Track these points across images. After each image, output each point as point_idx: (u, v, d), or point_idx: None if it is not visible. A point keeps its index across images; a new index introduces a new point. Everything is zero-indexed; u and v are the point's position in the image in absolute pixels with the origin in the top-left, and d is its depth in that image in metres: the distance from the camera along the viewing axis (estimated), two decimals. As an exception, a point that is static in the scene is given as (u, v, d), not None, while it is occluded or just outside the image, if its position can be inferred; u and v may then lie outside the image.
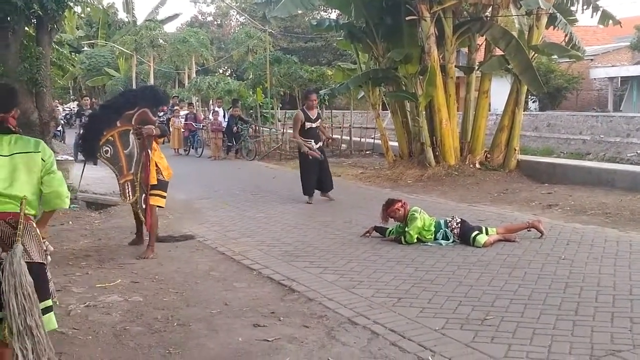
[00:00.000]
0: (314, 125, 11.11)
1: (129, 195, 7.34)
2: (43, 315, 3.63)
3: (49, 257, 3.85)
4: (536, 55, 14.55)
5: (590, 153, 23.04)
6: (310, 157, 10.91)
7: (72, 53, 20.25)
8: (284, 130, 21.51)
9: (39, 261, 3.69)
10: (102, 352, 4.48)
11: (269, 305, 5.51)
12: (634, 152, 21.47)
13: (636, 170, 12.36)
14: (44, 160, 3.82)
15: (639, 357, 4.09)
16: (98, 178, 13.06)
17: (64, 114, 31.67)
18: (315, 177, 11.11)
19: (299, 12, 15.70)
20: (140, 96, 7.64)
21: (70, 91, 49.40)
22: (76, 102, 35.40)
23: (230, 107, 21.74)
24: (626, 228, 8.25)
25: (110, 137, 7.15)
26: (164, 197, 7.79)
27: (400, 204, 7.84)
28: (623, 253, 6.84)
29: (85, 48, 42.41)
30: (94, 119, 7.65)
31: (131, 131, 7.33)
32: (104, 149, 7.13)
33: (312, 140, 11.08)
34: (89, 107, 19.44)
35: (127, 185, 7.32)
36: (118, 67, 44.19)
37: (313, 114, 11.18)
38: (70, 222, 9.40)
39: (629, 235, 7.78)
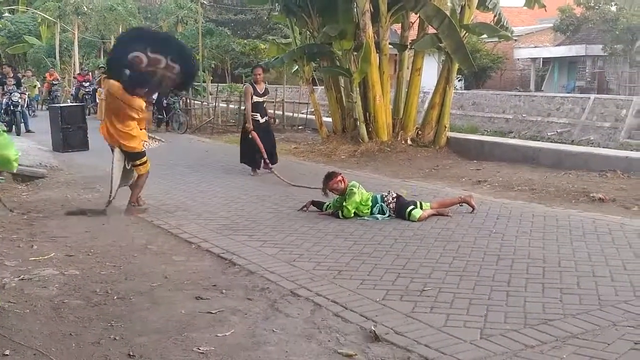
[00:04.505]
0: (260, 99, 11.30)
1: None
2: None
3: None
4: (467, 34, 14.85)
5: (512, 131, 23.80)
6: (250, 136, 11.04)
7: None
8: (216, 104, 21.26)
9: None
10: (42, 326, 4.38)
11: (210, 278, 5.50)
12: (554, 130, 22.33)
13: (560, 148, 12.89)
14: None
15: (570, 326, 4.31)
16: (23, 149, 12.61)
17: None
18: (258, 150, 11.11)
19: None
20: None
21: (-12, 58, 47.18)
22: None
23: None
24: (552, 203, 8.59)
25: None
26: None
27: (340, 177, 7.93)
28: (550, 227, 7.13)
29: (6, 14, 40.49)
30: None
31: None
32: None
33: (259, 114, 11.25)
34: (11, 75, 18.65)
35: None
36: (40, 35, 42.38)
37: (261, 88, 11.34)
38: (-4, 195, 9.06)
39: (555, 210, 8.11)
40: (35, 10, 39.72)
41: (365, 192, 7.85)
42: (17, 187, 9.84)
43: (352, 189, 7.72)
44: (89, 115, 17.83)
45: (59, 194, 9.45)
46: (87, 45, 41.32)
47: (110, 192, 8.06)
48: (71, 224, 7.50)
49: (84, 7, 36.02)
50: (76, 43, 37.44)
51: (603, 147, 16.92)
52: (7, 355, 3.90)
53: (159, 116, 20.50)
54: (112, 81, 7.88)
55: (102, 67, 27.16)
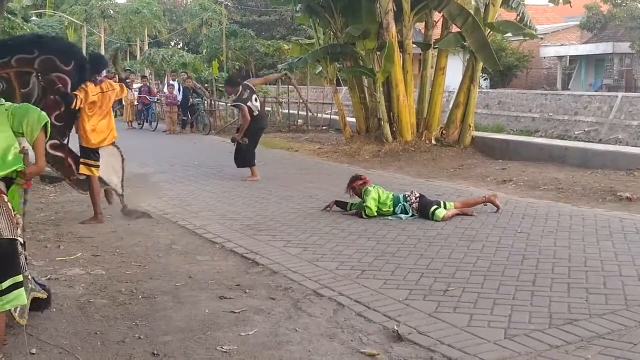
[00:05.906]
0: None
1: None
2: (12, 291, 3.57)
3: (18, 230, 3.76)
4: (491, 32, 14.74)
5: (539, 130, 23.54)
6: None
7: (24, 22, 19.67)
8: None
9: (9, 237, 3.60)
10: (68, 325, 4.44)
11: (233, 277, 5.53)
12: (582, 129, 22.05)
13: (586, 147, 12.75)
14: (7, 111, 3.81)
15: (596, 326, 4.26)
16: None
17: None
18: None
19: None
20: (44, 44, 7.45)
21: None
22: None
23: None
24: (578, 203, 8.50)
25: (4, 74, 7.13)
26: (88, 165, 8.13)
27: (361, 181, 7.96)
28: (576, 227, 7.06)
29: (33, 17, 41.04)
30: None
31: (34, 74, 7.30)
32: None
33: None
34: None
35: None
36: (67, 39, 43.05)
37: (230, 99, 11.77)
38: (25, 196, 9.19)
39: (582, 209, 8.03)
40: (62, 14, 40.25)
41: (384, 191, 7.85)
42: (45, 188, 9.99)
43: (368, 187, 7.78)
44: (115, 117, 17.99)
45: (85, 194, 9.53)
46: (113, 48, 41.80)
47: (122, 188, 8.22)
48: (97, 225, 7.59)
49: (110, 10, 36.47)
50: (102, 46, 37.90)
51: (632, 146, 16.69)
52: (33, 353, 3.96)
53: (184, 117, 20.68)
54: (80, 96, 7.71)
55: (128, 69, 27.52)
